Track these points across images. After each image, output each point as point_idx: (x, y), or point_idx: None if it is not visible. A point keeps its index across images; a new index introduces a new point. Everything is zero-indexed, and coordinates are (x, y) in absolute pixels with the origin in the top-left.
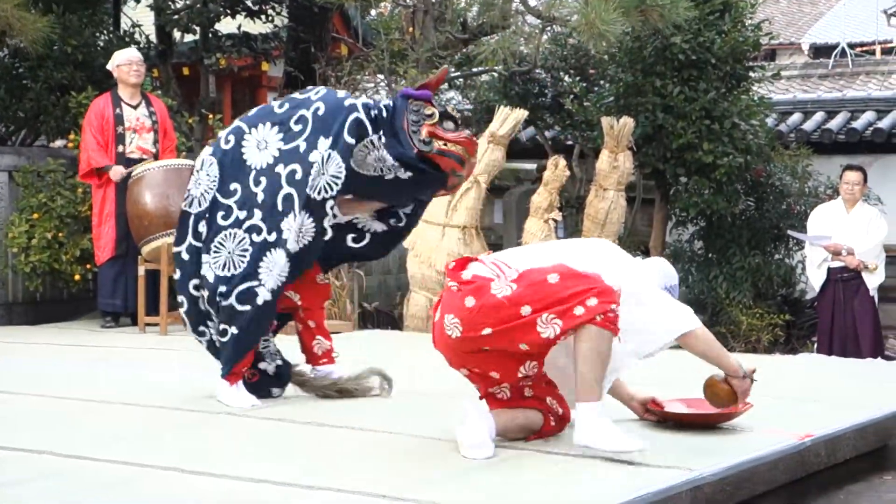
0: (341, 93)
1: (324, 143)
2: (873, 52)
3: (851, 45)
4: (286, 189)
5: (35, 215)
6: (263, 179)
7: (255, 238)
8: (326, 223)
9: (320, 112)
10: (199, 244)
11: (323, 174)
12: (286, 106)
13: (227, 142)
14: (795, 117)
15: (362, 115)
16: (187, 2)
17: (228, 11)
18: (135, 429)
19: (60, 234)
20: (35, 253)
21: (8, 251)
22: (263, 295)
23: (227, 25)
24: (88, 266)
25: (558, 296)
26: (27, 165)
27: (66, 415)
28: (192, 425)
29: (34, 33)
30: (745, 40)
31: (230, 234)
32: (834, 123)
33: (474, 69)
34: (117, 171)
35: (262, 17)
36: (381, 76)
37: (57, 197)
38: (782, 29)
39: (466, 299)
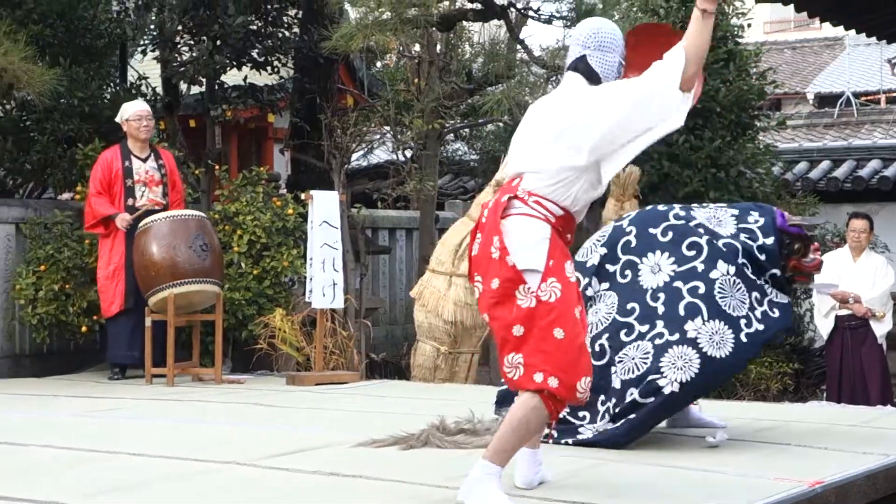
0: (726, 224)
1: (723, 265)
2: (878, 101)
3: (856, 95)
4: (688, 299)
5: (42, 267)
6: (662, 295)
7: (658, 342)
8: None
9: (716, 241)
10: (596, 362)
11: (731, 296)
12: (670, 234)
13: (623, 276)
14: (801, 166)
15: (755, 252)
16: (193, 54)
17: (234, 63)
18: (142, 479)
19: (67, 286)
20: (42, 305)
21: (15, 303)
22: (669, 387)
23: (232, 77)
24: (95, 318)
25: (541, 349)
26: (34, 217)
27: (74, 465)
28: (200, 475)
29: (41, 86)
30: (749, 89)
31: (634, 345)
32: (840, 172)
33: (480, 120)
34: (123, 219)
35: (268, 68)
36: (386, 127)
37: (64, 249)
38: (787, 78)
39: (493, 281)
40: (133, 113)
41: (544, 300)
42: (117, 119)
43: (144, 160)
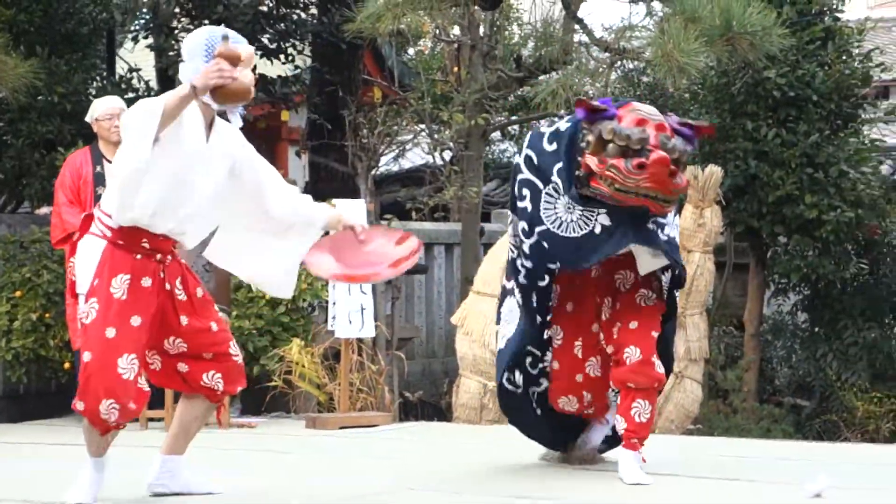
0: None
1: None
2: None
3: None
4: None
5: (18, 293)
6: None
7: None
8: None
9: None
10: None
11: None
12: None
13: None
14: None
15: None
16: None
17: None
18: None
19: (47, 315)
20: (18, 337)
21: None
22: None
23: None
24: None
25: (80, 372)
26: (8, 235)
27: None
28: None
29: (15, 80)
30: (851, 73)
31: None
32: None
33: (531, 114)
34: None
35: (281, 56)
36: (421, 124)
37: (43, 271)
38: None
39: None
40: (103, 111)
41: (84, 322)
42: (87, 118)
43: None
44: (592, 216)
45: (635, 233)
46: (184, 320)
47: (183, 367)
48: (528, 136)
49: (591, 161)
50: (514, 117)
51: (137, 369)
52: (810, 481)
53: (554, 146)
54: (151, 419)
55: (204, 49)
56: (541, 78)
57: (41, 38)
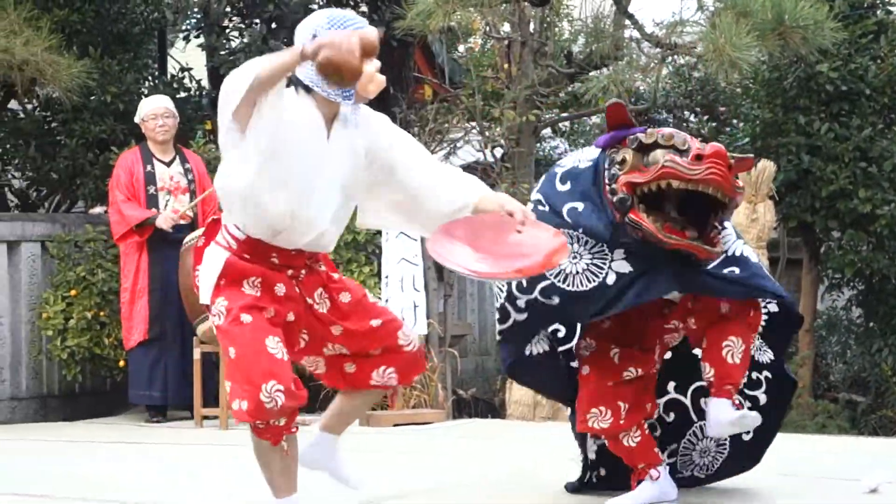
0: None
1: None
2: None
3: None
4: None
5: (72, 292)
6: None
7: None
8: None
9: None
10: None
11: None
12: None
13: None
14: None
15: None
16: (245, 40)
17: None
18: None
19: (102, 314)
20: (73, 336)
21: (42, 335)
22: None
23: None
24: None
25: (229, 374)
26: (62, 234)
27: None
28: None
29: (68, 80)
30: None
31: None
32: None
33: (582, 110)
34: (167, 218)
35: None
36: (472, 122)
37: (97, 270)
38: None
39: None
40: (149, 111)
41: (217, 323)
42: (136, 118)
43: (168, 164)
44: (604, 264)
45: (669, 279)
46: (336, 330)
47: (350, 367)
48: (542, 180)
49: (633, 177)
50: (565, 114)
51: (286, 355)
52: (867, 476)
53: (568, 185)
54: (206, 417)
55: (327, 26)
56: (591, 74)
57: (93, 39)
